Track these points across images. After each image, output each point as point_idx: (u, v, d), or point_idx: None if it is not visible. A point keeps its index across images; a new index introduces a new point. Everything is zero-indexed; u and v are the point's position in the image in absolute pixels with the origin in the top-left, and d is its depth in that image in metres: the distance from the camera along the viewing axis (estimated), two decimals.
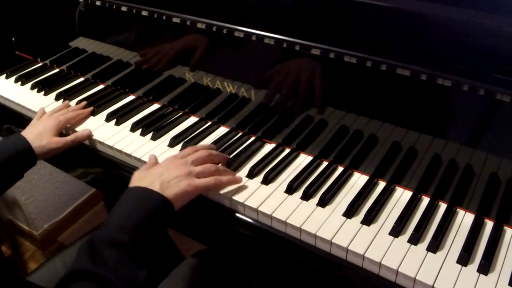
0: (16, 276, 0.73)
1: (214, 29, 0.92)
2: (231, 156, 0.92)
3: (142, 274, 0.68)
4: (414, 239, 0.74)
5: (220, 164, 0.89)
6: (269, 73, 0.90)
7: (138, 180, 0.80)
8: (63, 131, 1.03)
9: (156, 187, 0.76)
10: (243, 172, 0.89)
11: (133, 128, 1.02)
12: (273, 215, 0.78)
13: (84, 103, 1.10)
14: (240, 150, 0.94)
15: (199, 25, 0.94)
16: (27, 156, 0.92)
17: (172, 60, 1.04)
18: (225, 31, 0.90)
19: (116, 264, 0.66)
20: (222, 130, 1.02)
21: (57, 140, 0.96)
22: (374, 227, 0.77)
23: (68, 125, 1.04)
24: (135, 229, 0.70)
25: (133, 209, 0.73)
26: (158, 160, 0.89)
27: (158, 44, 1.05)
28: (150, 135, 0.99)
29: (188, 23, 0.95)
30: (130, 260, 0.68)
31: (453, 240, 0.74)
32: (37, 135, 0.95)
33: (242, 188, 0.84)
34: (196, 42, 0.97)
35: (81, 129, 1.03)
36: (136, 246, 0.69)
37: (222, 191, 0.83)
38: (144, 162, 0.93)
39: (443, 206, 0.81)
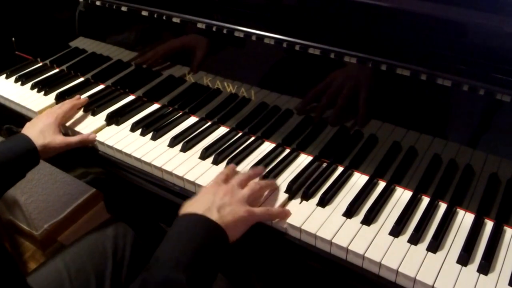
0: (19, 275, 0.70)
1: (214, 29, 0.92)
2: (231, 156, 0.92)
3: None
4: (414, 239, 0.74)
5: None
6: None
7: (193, 205, 0.73)
8: (62, 131, 1.03)
9: (213, 215, 0.69)
10: None
11: (133, 128, 1.02)
12: None
13: (78, 96, 1.10)
14: (240, 150, 0.94)
15: (199, 25, 0.94)
16: (30, 156, 0.91)
17: (170, 59, 1.04)
18: (225, 31, 0.90)
19: None
20: (222, 130, 1.02)
21: (61, 139, 0.96)
22: (374, 227, 0.77)
23: (67, 124, 1.04)
24: (192, 265, 0.63)
25: (189, 241, 0.65)
26: (160, 161, 0.88)
27: (158, 44, 1.05)
28: (150, 135, 0.99)
29: (188, 23, 0.95)
30: None
31: (453, 240, 0.74)
32: (39, 133, 0.94)
33: None
34: (196, 43, 0.97)
35: (80, 128, 1.03)
36: (193, 284, 0.62)
37: None
38: (144, 162, 0.93)
39: (443, 206, 0.81)
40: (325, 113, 0.87)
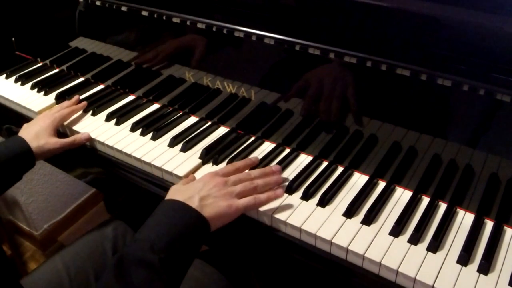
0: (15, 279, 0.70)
1: (214, 29, 0.92)
2: (231, 157, 0.92)
3: None
4: (414, 239, 0.74)
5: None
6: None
7: (175, 192, 0.76)
8: (59, 130, 1.04)
9: (194, 203, 0.72)
10: None
11: (133, 128, 1.02)
12: (273, 215, 0.78)
13: (77, 97, 1.10)
14: (240, 150, 0.94)
15: (199, 25, 0.94)
16: (26, 158, 0.92)
17: (170, 58, 1.04)
18: (225, 31, 0.90)
19: (143, 285, 0.63)
20: (222, 130, 1.02)
21: (55, 141, 0.96)
22: (374, 227, 0.77)
23: (65, 123, 1.04)
24: (167, 248, 0.66)
25: (166, 226, 0.68)
26: (160, 161, 0.88)
27: (158, 44, 1.05)
28: (150, 135, 0.99)
29: (188, 23, 0.95)
30: (159, 281, 0.64)
31: (453, 240, 0.74)
32: (35, 135, 0.94)
33: None
34: (195, 42, 0.97)
35: (79, 128, 1.03)
36: (166, 266, 0.64)
37: None
38: (144, 162, 0.93)
39: (443, 206, 0.81)
40: (325, 113, 0.87)
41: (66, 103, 1.08)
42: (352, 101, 0.83)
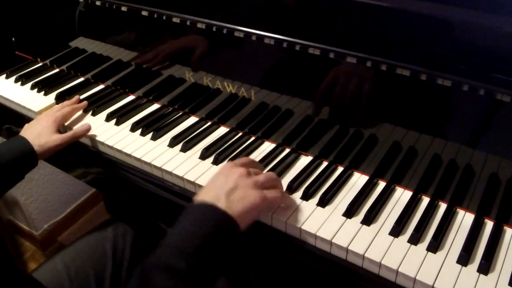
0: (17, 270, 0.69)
1: (214, 29, 0.92)
2: (231, 156, 0.92)
3: None
4: (414, 239, 0.74)
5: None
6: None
7: (204, 191, 0.72)
8: (60, 130, 1.04)
9: (221, 202, 0.68)
10: None
11: (133, 128, 1.02)
12: (273, 215, 0.78)
13: (77, 97, 1.11)
14: (240, 150, 0.94)
15: (199, 25, 0.94)
16: (29, 158, 0.92)
17: (170, 59, 1.04)
18: (225, 31, 0.90)
19: None
20: (222, 130, 1.02)
21: (56, 137, 0.96)
22: (374, 227, 0.77)
23: (66, 123, 1.04)
24: (195, 254, 0.62)
25: (194, 229, 0.64)
26: (160, 161, 0.88)
27: (158, 44, 1.05)
28: (150, 135, 0.99)
29: (188, 23, 0.95)
30: None
31: (453, 240, 0.74)
32: (37, 135, 0.94)
33: None
34: (195, 42, 0.97)
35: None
36: (194, 273, 0.61)
37: None
38: (144, 162, 0.93)
39: (443, 206, 0.81)
40: (325, 113, 0.87)
41: (66, 102, 1.08)
42: (352, 101, 0.84)
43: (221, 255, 0.65)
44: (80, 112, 1.08)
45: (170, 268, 0.60)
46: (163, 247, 0.64)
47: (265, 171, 0.87)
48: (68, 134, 0.98)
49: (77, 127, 1.00)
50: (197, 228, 0.65)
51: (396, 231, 0.75)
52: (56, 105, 1.09)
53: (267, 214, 0.79)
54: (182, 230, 0.65)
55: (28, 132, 0.96)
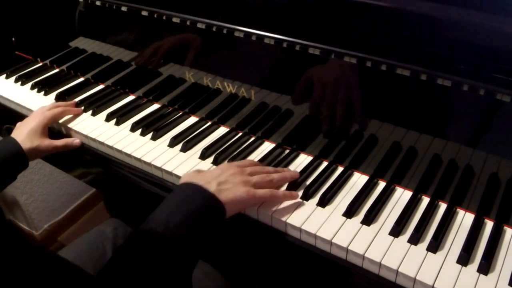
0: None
1: (214, 29, 0.92)
2: (231, 156, 0.92)
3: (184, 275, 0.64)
4: (414, 239, 0.74)
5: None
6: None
7: (190, 178, 0.75)
8: (54, 125, 1.04)
9: (212, 187, 0.72)
10: None
11: (133, 128, 1.02)
12: (273, 215, 0.78)
13: (73, 102, 1.11)
14: (240, 150, 0.94)
15: (199, 25, 0.94)
16: (18, 160, 0.92)
17: (170, 59, 1.04)
18: (225, 31, 0.90)
19: (156, 261, 0.62)
20: (222, 130, 1.02)
21: (48, 143, 0.96)
22: (374, 227, 0.77)
23: (68, 125, 1.04)
24: (181, 226, 0.65)
25: (181, 205, 0.67)
26: (160, 161, 0.88)
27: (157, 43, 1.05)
28: (150, 135, 0.99)
29: (188, 23, 0.95)
30: (174, 256, 0.63)
31: (453, 240, 0.74)
32: (27, 135, 0.95)
33: None
34: (195, 42, 0.97)
35: (79, 128, 1.03)
36: (183, 246, 0.64)
37: None
38: (144, 162, 0.93)
39: (443, 206, 0.81)
40: (325, 112, 0.87)
41: (61, 103, 1.08)
42: (352, 101, 0.84)
43: (205, 233, 0.68)
44: (80, 112, 1.08)
45: (158, 237, 0.63)
46: (151, 220, 0.66)
47: (299, 177, 0.87)
48: (59, 144, 0.98)
49: (69, 140, 1.00)
50: (184, 203, 0.68)
51: (396, 231, 0.75)
52: (50, 103, 1.08)
53: (266, 214, 0.79)
54: (171, 205, 0.68)
55: (18, 132, 0.96)
